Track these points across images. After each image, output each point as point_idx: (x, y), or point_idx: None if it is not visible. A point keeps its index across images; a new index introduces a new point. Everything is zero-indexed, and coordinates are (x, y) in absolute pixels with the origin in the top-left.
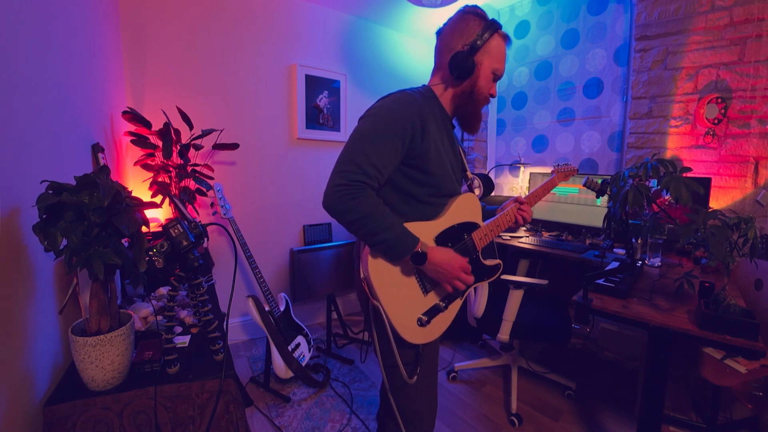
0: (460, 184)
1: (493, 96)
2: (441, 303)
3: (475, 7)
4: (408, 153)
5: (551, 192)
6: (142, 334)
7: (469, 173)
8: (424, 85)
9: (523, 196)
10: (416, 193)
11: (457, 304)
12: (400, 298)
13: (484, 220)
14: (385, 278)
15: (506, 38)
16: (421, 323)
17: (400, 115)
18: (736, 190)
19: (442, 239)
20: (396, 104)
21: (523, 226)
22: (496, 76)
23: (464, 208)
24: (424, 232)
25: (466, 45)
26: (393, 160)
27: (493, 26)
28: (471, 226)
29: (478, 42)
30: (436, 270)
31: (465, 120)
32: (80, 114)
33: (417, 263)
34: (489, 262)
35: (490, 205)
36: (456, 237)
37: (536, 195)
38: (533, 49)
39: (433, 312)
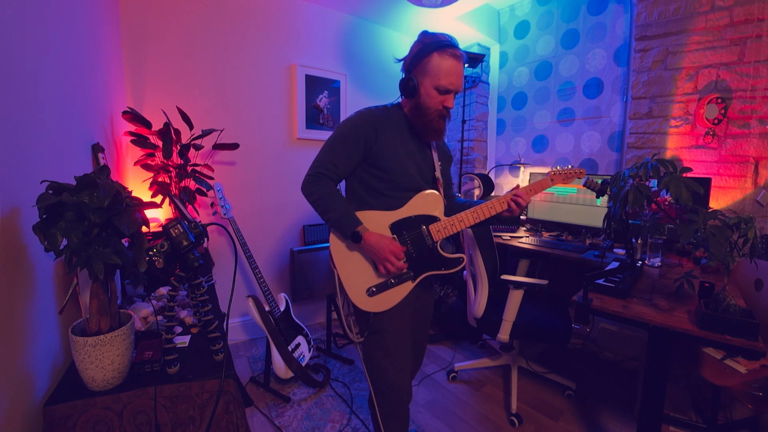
0: (428, 183)
1: (448, 107)
2: (391, 280)
3: (424, 32)
4: (366, 154)
5: (551, 192)
6: (142, 334)
7: (437, 173)
8: (397, 101)
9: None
10: (377, 187)
11: (408, 285)
12: (353, 269)
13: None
14: (342, 251)
15: (454, 55)
16: (370, 293)
17: (356, 126)
18: (736, 190)
19: (397, 227)
20: (354, 119)
21: (511, 214)
22: (441, 91)
23: (424, 202)
24: (381, 219)
25: (407, 69)
26: (351, 158)
27: (430, 47)
28: (429, 219)
29: (416, 64)
30: (371, 250)
31: (419, 130)
32: (80, 114)
33: (354, 241)
34: (450, 255)
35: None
36: (412, 227)
37: (533, 189)
38: (533, 49)
39: (382, 286)
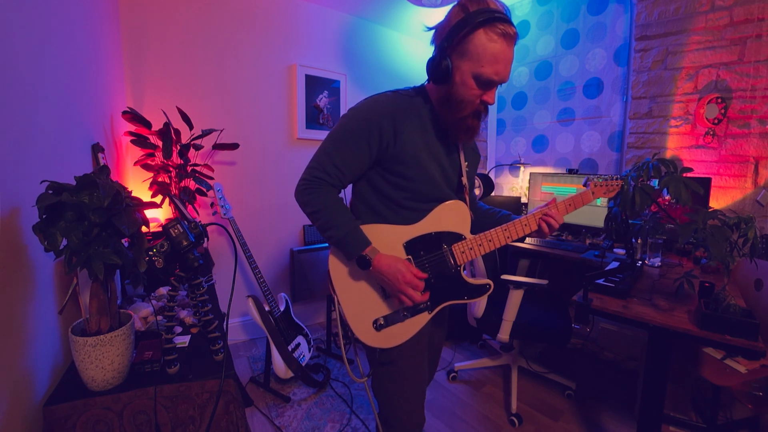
0: (454, 190)
1: (488, 103)
2: (403, 312)
3: None
4: (381, 154)
5: (551, 192)
6: (142, 334)
7: (464, 178)
8: (423, 84)
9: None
10: (394, 197)
11: (423, 317)
12: (357, 296)
13: (481, 230)
14: (343, 275)
15: (506, 35)
16: (378, 327)
17: (368, 117)
18: (736, 190)
19: (413, 246)
20: (366, 106)
21: (538, 236)
22: (483, 82)
23: (448, 216)
24: (395, 236)
25: (441, 46)
26: (358, 160)
27: (476, 20)
28: (453, 237)
29: (453, 41)
30: (382, 278)
31: (447, 127)
32: (80, 114)
33: (361, 267)
34: (475, 281)
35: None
36: (431, 246)
37: (573, 204)
38: (533, 49)
39: (392, 318)
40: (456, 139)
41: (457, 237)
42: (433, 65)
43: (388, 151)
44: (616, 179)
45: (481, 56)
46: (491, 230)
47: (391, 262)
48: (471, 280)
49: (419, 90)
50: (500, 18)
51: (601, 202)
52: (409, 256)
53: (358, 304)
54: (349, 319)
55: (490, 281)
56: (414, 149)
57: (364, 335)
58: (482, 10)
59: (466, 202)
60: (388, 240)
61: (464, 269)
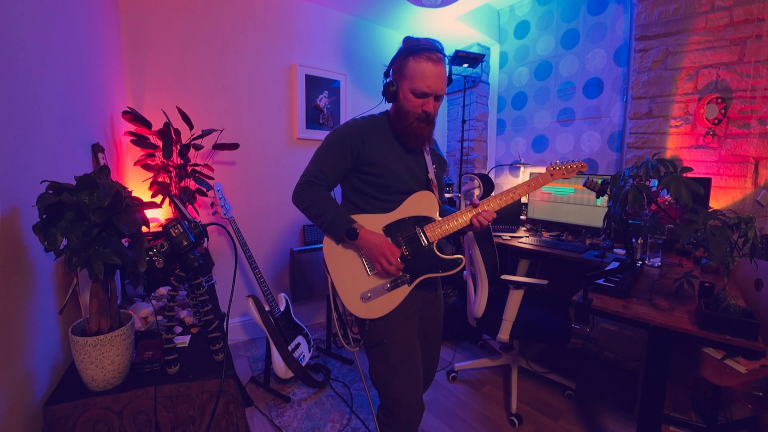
0: (422, 185)
1: (427, 111)
2: (387, 285)
3: (406, 37)
4: (355, 160)
5: (550, 192)
6: (142, 334)
7: (430, 175)
8: (385, 109)
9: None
10: (369, 192)
11: (404, 290)
12: (346, 274)
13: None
14: (335, 256)
15: (430, 59)
16: (365, 299)
17: (341, 136)
18: (736, 190)
19: (390, 230)
20: (340, 128)
21: (472, 230)
22: (418, 94)
23: (418, 204)
24: (375, 222)
25: (388, 73)
26: (338, 166)
27: (406, 52)
28: (424, 220)
29: (395, 68)
30: (367, 247)
31: (400, 134)
32: (80, 114)
33: (350, 238)
34: (447, 256)
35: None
36: (406, 228)
37: (532, 185)
38: (533, 49)
39: (377, 291)
40: (409, 143)
41: (428, 219)
42: (384, 88)
43: (359, 157)
44: (579, 163)
45: (413, 75)
46: (458, 211)
47: (372, 234)
48: (444, 256)
49: (383, 113)
50: (425, 48)
51: (601, 201)
52: (388, 238)
53: (348, 280)
54: (341, 293)
55: (461, 256)
56: (379, 153)
57: (354, 307)
58: (411, 44)
59: (434, 193)
60: (370, 225)
61: (440, 247)
